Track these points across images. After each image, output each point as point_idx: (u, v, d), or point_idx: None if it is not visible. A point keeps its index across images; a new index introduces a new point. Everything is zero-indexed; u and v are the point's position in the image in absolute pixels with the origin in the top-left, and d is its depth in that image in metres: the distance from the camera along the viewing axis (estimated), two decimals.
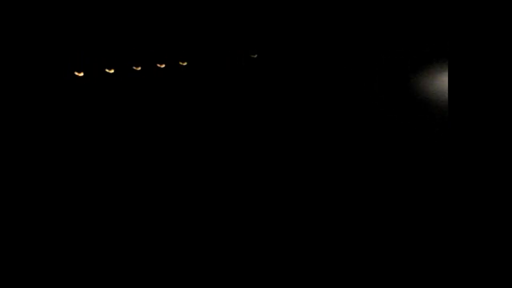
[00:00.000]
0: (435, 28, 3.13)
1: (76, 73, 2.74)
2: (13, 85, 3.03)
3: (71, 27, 3.00)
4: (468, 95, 2.73)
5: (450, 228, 2.90)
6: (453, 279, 2.69)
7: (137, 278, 2.97)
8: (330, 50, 3.23)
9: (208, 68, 3.18)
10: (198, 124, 3.20)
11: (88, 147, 3.16)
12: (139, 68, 2.87)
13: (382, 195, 3.12)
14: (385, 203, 3.08)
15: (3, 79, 3.04)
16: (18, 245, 2.98)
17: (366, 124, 3.23)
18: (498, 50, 2.63)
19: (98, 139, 3.17)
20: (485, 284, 2.55)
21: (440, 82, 3.23)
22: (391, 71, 3.25)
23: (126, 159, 3.16)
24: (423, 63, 3.25)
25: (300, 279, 2.93)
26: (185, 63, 2.83)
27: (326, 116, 3.24)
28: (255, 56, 2.82)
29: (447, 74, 3.19)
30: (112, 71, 2.86)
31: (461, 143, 2.85)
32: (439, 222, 3.00)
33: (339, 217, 3.04)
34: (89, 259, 3.02)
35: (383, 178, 3.16)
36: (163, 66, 2.82)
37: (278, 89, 3.24)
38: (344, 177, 3.16)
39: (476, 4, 2.64)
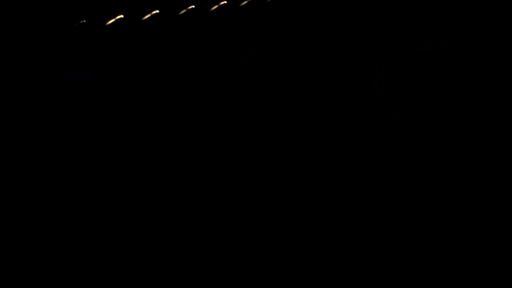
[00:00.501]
0: (435, 28, 3.12)
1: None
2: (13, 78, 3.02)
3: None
4: (468, 94, 2.73)
5: (450, 229, 2.90)
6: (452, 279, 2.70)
7: (137, 278, 2.97)
8: (330, 49, 3.23)
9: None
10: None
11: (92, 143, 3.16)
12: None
13: (381, 194, 3.12)
14: (384, 203, 3.07)
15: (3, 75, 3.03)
16: (18, 245, 2.98)
17: (367, 122, 3.23)
18: (498, 50, 2.63)
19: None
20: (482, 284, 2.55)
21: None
22: (390, 71, 3.24)
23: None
24: (423, 63, 3.24)
25: (299, 280, 2.93)
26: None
27: (326, 115, 3.23)
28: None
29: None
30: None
31: (462, 142, 2.84)
32: (440, 220, 3.00)
33: (338, 215, 3.03)
34: (89, 259, 3.02)
35: (383, 177, 3.16)
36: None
37: (277, 89, 3.24)
38: (343, 175, 3.16)
39: (476, 4, 2.64)
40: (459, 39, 2.93)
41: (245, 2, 3.17)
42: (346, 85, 3.18)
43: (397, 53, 3.24)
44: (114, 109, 3.24)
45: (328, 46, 3.20)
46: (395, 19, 3.16)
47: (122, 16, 3.09)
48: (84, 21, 3.04)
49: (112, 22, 3.09)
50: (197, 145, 3.24)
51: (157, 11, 3.11)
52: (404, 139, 3.22)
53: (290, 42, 3.20)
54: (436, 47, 3.18)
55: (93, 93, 3.23)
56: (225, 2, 3.11)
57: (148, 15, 3.10)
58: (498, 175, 2.79)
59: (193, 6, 3.11)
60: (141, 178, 3.12)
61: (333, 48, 3.20)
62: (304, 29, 3.17)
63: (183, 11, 3.15)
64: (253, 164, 3.17)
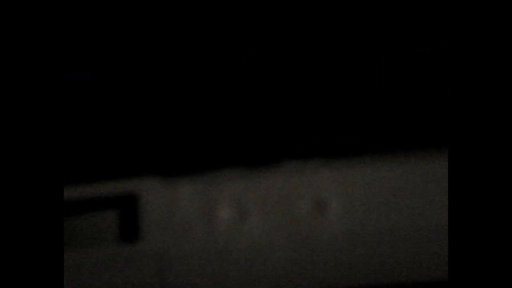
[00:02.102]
0: (435, 28, 3.12)
1: None
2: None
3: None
4: (469, 95, 2.73)
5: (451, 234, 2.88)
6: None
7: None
8: (330, 49, 3.23)
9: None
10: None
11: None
12: None
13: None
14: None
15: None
16: (17, 244, 2.97)
17: (366, 124, 3.23)
18: (499, 50, 2.63)
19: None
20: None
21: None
22: (391, 71, 3.25)
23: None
24: (423, 63, 3.25)
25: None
26: None
27: (325, 117, 3.24)
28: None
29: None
30: None
31: (462, 144, 2.84)
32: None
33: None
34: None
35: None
36: None
37: (276, 89, 3.24)
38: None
39: (477, 4, 2.65)
40: (460, 40, 2.94)
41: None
42: (346, 86, 3.19)
43: (397, 55, 3.24)
44: (114, 109, 3.23)
45: (328, 48, 3.21)
46: (395, 21, 3.17)
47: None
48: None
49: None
50: (197, 146, 3.24)
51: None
52: (404, 140, 3.22)
53: (290, 43, 3.21)
54: (436, 49, 3.18)
55: (93, 93, 3.23)
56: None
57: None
58: (499, 177, 2.79)
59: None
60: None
61: (333, 50, 3.20)
62: (304, 29, 3.18)
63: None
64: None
